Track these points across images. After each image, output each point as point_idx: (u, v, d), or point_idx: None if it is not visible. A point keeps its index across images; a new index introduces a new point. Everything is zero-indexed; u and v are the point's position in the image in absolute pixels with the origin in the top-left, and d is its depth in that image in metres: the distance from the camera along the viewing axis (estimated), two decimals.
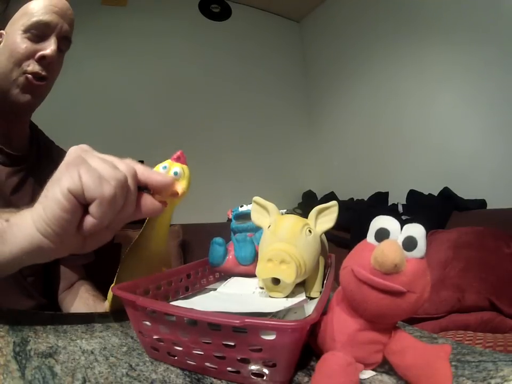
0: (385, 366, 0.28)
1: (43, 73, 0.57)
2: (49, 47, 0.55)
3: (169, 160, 0.41)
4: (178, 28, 2.16)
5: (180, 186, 0.39)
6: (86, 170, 0.29)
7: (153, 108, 2.02)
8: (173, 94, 2.08)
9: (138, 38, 2.00)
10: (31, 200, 0.65)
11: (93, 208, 0.29)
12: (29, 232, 0.31)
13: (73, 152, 0.31)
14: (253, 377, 0.26)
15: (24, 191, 0.63)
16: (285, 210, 0.46)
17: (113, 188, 0.29)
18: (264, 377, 0.26)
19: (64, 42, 0.59)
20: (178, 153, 0.41)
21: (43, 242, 0.31)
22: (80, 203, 0.30)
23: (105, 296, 0.65)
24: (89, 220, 0.30)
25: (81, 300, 0.67)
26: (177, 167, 0.40)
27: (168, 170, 0.40)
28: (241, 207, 0.48)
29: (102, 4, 1.89)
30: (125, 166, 0.32)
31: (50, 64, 0.57)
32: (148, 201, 0.34)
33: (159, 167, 0.40)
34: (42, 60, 0.56)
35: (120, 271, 0.44)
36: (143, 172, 0.34)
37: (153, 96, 2.03)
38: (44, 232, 0.30)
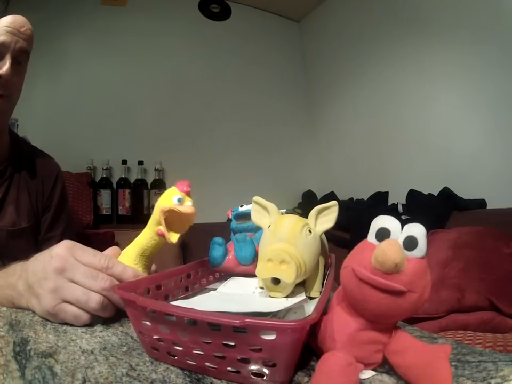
0: (385, 366, 0.28)
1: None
2: (3, 66, 0.58)
3: (181, 192, 0.41)
4: (178, 28, 2.16)
5: (175, 236, 0.42)
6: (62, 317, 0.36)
7: (153, 108, 2.02)
8: (172, 94, 2.08)
9: (138, 38, 2.00)
10: (15, 208, 0.66)
11: None
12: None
13: (48, 301, 0.36)
14: (253, 377, 0.26)
15: (8, 201, 0.68)
16: (285, 210, 0.46)
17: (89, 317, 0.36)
18: (264, 377, 0.26)
19: (21, 55, 0.62)
20: (186, 184, 0.42)
21: None
22: None
23: None
24: None
25: None
26: (189, 202, 0.41)
27: (183, 202, 0.41)
28: (241, 207, 0.48)
29: (101, 3, 1.89)
30: (100, 284, 0.36)
31: (6, 82, 0.60)
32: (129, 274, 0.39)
33: (172, 198, 0.40)
34: None
35: None
36: (120, 273, 0.38)
37: (153, 96, 2.03)
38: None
